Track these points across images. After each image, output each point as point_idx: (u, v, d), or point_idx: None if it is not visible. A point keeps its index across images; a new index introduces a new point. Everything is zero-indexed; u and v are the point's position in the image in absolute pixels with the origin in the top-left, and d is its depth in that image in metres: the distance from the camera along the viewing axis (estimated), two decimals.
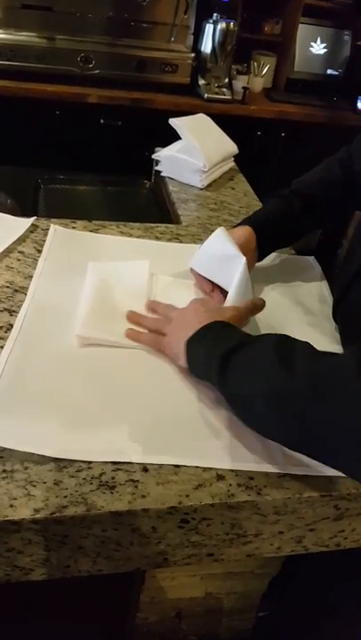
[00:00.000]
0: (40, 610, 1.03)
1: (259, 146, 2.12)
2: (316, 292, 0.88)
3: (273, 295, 0.85)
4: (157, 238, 0.97)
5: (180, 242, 0.97)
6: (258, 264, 0.89)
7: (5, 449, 0.53)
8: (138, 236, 0.97)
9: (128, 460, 0.55)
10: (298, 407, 0.49)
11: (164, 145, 1.26)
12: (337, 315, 0.80)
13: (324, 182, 0.88)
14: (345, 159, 0.88)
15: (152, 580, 0.77)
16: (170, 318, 0.70)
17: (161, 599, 0.81)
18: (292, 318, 0.81)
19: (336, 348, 0.76)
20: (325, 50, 2.29)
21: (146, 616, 0.84)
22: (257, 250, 0.83)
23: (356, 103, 2.24)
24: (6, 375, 0.62)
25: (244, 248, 0.77)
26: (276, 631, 0.95)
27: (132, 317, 0.73)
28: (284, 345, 0.54)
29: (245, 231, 0.82)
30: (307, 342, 0.54)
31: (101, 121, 1.96)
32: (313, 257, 0.98)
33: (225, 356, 0.57)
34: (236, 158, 1.31)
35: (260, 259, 0.85)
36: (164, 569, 0.75)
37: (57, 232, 0.92)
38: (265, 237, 0.82)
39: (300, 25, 2.20)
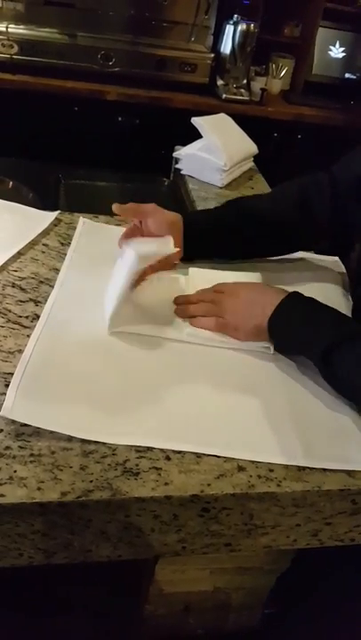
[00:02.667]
0: (48, 602, 1.04)
1: (275, 147, 2.12)
2: (340, 291, 0.88)
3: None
4: None
5: None
6: (284, 263, 0.90)
7: (33, 433, 0.54)
8: None
9: (151, 445, 0.56)
10: None
11: (181, 144, 1.27)
12: (356, 313, 0.80)
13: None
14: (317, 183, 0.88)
15: (162, 573, 0.78)
16: (220, 301, 0.73)
17: (170, 592, 0.82)
18: None
19: None
20: (344, 54, 2.29)
21: (154, 608, 0.85)
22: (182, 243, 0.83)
23: None
24: (34, 360, 0.63)
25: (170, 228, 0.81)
26: (283, 628, 0.96)
27: (181, 305, 0.76)
28: None
29: (175, 217, 0.84)
30: None
31: (119, 119, 1.98)
32: (337, 257, 0.98)
33: (332, 344, 0.62)
34: (253, 159, 1.32)
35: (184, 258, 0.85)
36: (175, 561, 0.76)
37: (86, 225, 0.94)
38: (192, 234, 0.84)
39: (320, 28, 2.21)
